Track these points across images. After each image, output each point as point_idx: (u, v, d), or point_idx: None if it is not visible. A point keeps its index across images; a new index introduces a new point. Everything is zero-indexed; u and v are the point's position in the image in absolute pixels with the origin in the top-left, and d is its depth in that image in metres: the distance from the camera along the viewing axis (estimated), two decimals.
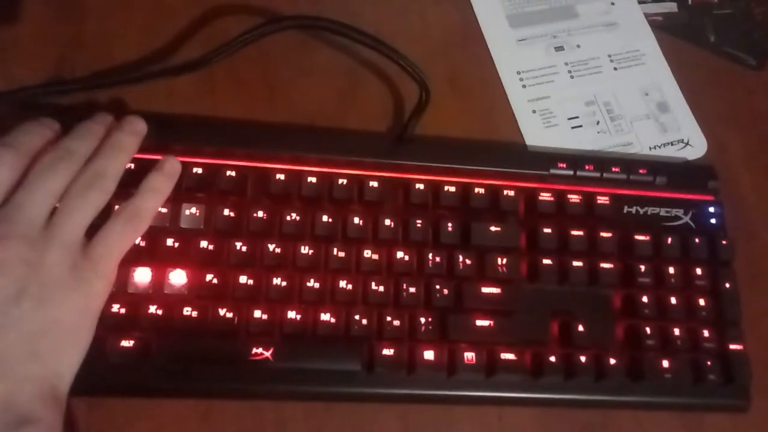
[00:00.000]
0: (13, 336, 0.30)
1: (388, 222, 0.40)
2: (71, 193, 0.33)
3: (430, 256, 0.40)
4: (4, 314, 0.30)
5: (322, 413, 0.39)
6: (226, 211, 0.39)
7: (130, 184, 0.36)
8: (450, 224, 0.40)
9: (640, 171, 0.44)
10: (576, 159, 0.44)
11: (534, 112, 0.48)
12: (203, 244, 0.38)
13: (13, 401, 0.29)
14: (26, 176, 0.33)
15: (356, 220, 0.40)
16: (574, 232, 0.41)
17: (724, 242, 0.43)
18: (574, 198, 0.42)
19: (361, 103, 0.46)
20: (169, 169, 0.37)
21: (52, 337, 0.31)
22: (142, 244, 0.37)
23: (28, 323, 0.30)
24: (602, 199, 0.43)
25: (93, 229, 0.34)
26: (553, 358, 0.39)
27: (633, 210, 0.43)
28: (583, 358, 0.39)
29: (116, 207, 0.35)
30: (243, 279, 0.38)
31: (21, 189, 0.32)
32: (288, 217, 0.39)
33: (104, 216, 0.34)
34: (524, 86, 0.49)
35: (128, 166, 0.36)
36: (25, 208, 0.32)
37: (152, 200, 0.36)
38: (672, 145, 0.48)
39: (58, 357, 0.31)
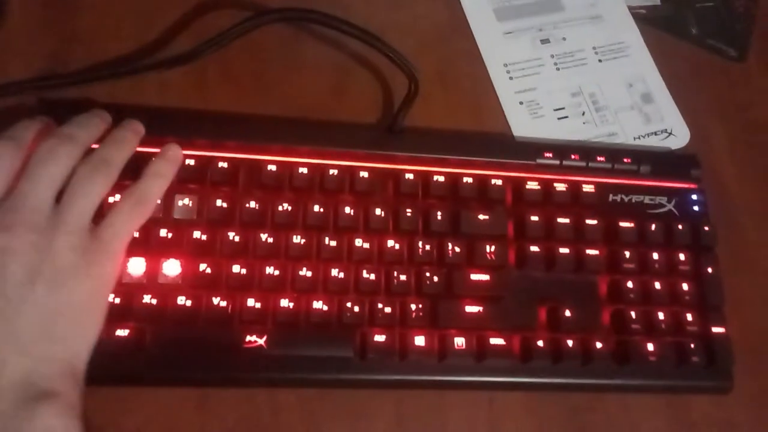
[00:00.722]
0: (30, 318, 0.31)
1: (378, 211, 0.40)
2: (78, 177, 0.34)
3: (420, 244, 0.40)
4: (20, 298, 0.31)
5: (316, 400, 0.39)
6: (219, 202, 0.39)
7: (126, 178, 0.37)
8: (439, 213, 0.41)
9: (625, 160, 0.45)
10: (562, 148, 0.45)
11: (521, 103, 0.49)
12: (196, 234, 0.38)
13: (33, 378, 0.30)
14: (27, 164, 0.33)
15: (347, 209, 0.40)
16: (561, 220, 0.42)
17: (706, 228, 0.44)
18: (560, 187, 0.43)
19: (352, 96, 0.47)
20: (171, 155, 0.38)
21: (66, 317, 0.32)
22: (137, 234, 0.37)
23: (43, 305, 0.31)
24: (588, 188, 0.44)
25: (98, 218, 0.34)
26: (541, 343, 0.40)
27: (618, 198, 0.44)
28: (570, 343, 0.40)
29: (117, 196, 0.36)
30: (236, 268, 0.38)
31: (23, 178, 0.33)
32: (280, 207, 0.39)
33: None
34: (511, 78, 0.49)
35: None
36: (29, 197, 0.32)
37: (157, 185, 0.37)
38: (656, 135, 0.49)
39: (74, 336, 0.32)
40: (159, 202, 0.37)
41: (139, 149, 0.38)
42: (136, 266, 0.37)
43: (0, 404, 0.29)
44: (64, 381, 0.31)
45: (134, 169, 0.37)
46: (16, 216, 0.32)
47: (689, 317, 0.42)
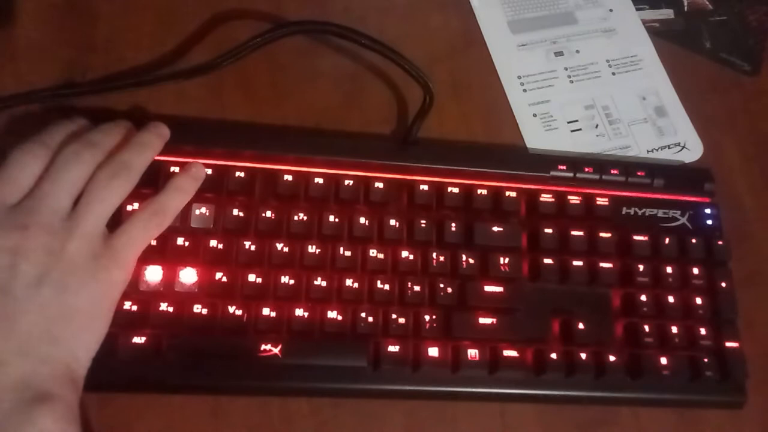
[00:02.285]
0: (33, 319, 0.31)
1: (393, 222, 0.41)
2: (96, 181, 0.34)
3: (434, 255, 0.41)
4: (26, 299, 0.31)
5: (329, 409, 0.39)
6: (235, 211, 0.39)
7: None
8: (453, 224, 0.41)
9: (638, 173, 0.45)
10: (576, 161, 0.45)
11: (534, 115, 0.49)
12: (213, 243, 0.39)
13: (32, 380, 0.30)
14: (51, 166, 0.34)
15: (362, 220, 0.40)
16: (574, 233, 0.42)
17: (720, 243, 0.44)
18: (574, 199, 0.43)
19: (366, 107, 0.47)
20: (195, 172, 0.39)
21: (70, 322, 0.32)
22: (154, 243, 0.38)
23: (47, 308, 0.31)
24: (601, 201, 0.44)
25: (115, 225, 0.35)
26: (554, 356, 0.40)
27: (631, 211, 0.45)
28: (583, 356, 0.40)
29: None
30: (252, 277, 0.39)
31: (45, 179, 0.34)
32: (295, 217, 0.40)
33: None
34: (525, 90, 0.50)
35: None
36: (48, 199, 0.33)
37: (177, 199, 0.37)
38: (669, 148, 0.49)
39: (76, 341, 0.32)
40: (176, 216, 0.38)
41: (157, 158, 0.39)
42: (154, 274, 0.38)
43: None
44: (63, 384, 0.31)
45: (153, 180, 0.37)
46: (32, 217, 0.32)
47: (702, 331, 0.41)
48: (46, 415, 0.29)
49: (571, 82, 0.51)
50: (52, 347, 0.31)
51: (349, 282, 0.39)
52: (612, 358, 0.40)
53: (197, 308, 0.38)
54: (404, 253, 0.40)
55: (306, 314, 0.38)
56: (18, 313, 0.31)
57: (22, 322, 0.31)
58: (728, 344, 0.42)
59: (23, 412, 0.29)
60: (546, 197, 0.43)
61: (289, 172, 0.41)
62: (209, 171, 0.40)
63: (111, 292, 0.34)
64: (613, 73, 0.51)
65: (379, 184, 0.41)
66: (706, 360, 0.41)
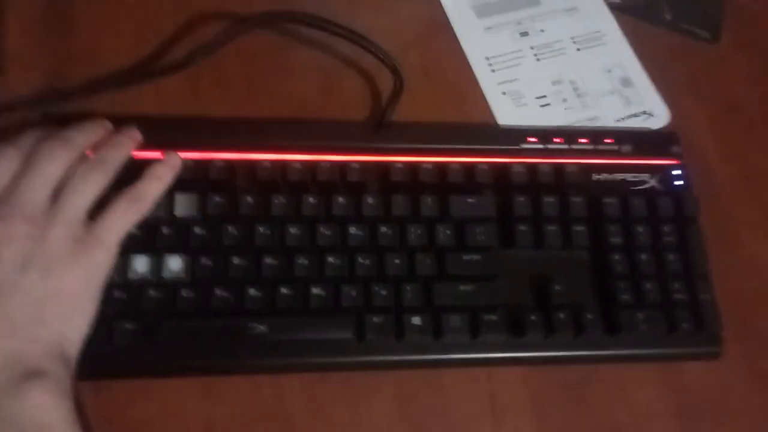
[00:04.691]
0: (22, 302, 0.33)
1: (370, 200, 0.42)
2: (75, 175, 0.36)
3: (412, 229, 0.42)
4: (13, 283, 0.33)
5: (319, 383, 0.41)
6: (218, 199, 0.41)
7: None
8: (429, 199, 0.43)
9: (606, 140, 0.47)
10: (545, 133, 0.47)
11: (504, 93, 0.51)
12: (197, 230, 0.40)
13: (23, 357, 0.32)
14: (26, 162, 0.36)
15: (340, 199, 0.42)
16: (547, 199, 0.44)
17: (688, 200, 0.45)
18: (544, 168, 0.45)
19: (340, 95, 0.49)
20: (171, 161, 0.40)
21: (57, 303, 0.33)
22: (140, 233, 0.39)
23: (35, 290, 0.33)
24: (571, 168, 0.45)
25: (96, 216, 0.36)
26: (533, 317, 0.41)
27: (601, 177, 0.46)
28: (561, 315, 0.41)
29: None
30: (236, 260, 0.40)
31: (22, 174, 0.35)
32: (276, 201, 0.41)
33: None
34: (493, 71, 0.51)
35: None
36: (26, 192, 0.35)
37: (154, 186, 0.39)
38: (636, 116, 0.51)
39: (64, 321, 0.34)
40: (157, 201, 0.39)
41: (141, 157, 0.40)
42: (142, 263, 0.39)
43: None
44: (53, 361, 0.32)
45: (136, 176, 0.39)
46: (13, 209, 0.34)
47: (676, 285, 0.43)
48: (38, 389, 0.31)
49: (538, 60, 0.52)
50: (40, 327, 0.33)
51: (330, 259, 0.41)
52: (589, 317, 0.41)
53: (185, 293, 0.39)
54: (383, 229, 0.42)
55: (291, 292, 0.40)
56: (5, 295, 0.32)
57: (10, 305, 0.32)
58: (702, 296, 0.43)
59: (16, 386, 0.31)
60: (517, 168, 0.44)
61: (267, 160, 0.42)
62: (191, 163, 0.42)
63: (96, 273, 0.35)
64: (578, 49, 0.53)
65: (355, 165, 0.43)
66: (681, 313, 0.42)
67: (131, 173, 0.39)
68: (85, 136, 0.38)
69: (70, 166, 0.36)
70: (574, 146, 0.46)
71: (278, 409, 0.40)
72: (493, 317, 0.41)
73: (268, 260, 0.40)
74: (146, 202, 0.38)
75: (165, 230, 0.40)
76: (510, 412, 0.42)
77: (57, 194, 0.36)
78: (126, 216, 0.37)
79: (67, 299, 0.34)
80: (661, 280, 0.43)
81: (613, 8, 0.55)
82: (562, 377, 0.43)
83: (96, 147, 0.39)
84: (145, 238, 0.40)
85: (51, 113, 0.44)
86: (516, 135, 0.46)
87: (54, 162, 0.36)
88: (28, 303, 0.33)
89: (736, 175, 0.50)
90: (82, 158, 0.37)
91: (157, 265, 0.39)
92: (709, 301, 0.43)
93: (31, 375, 0.31)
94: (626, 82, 0.52)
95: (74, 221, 0.35)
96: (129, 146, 0.40)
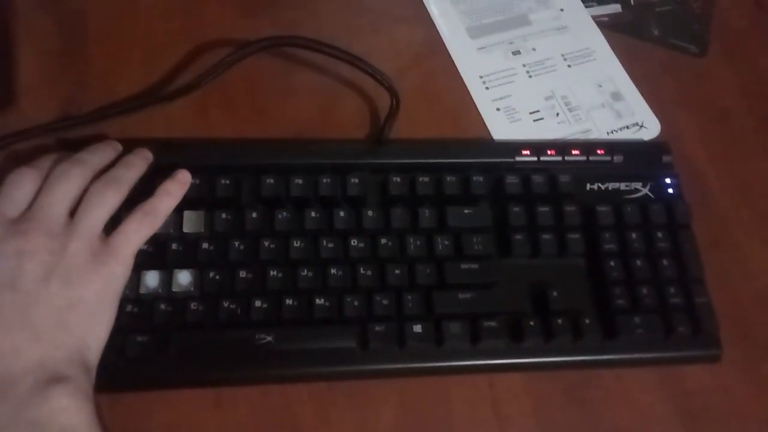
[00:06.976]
0: (45, 311, 0.34)
1: (370, 213, 0.44)
2: (90, 192, 0.38)
3: (411, 240, 0.43)
4: (36, 293, 0.34)
5: (326, 393, 0.42)
6: (224, 215, 0.43)
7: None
8: (427, 211, 0.44)
9: (598, 151, 0.48)
10: (539, 146, 0.48)
11: (498, 110, 0.52)
12: (205, 245, 0.42)
13: (47, 363, 0.33)
14: (45, 183, 0.38)
15: (342, 213, 0.44)
16: (541, 209, 0.45)
17: (680, 207, 0.46)
18: (539, 179, 0.46)
19: (341, 115, 0.51)
20: (181, 178, 0.42)
21: (78, 312, 0.35)
22: (151, 249, 0.41)
23: (57, 300, 0.35)
24: (565, 178, 0.47)
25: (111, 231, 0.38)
26: (532, 323, 0.42)
27: (595, 186, 0.47)
28: (559, 321, 0.42)
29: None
30: (243, 274, 0.42)
31: (41, 194, 0.38)
32: (279, 216, 0.43)
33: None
34: (487, 88, 0.53)
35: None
36: (45, 208, 0.37)
37: (166, 201, 0.41)
38: (628, 128, 0.53)
39: (85, 329, 0.35)
40: (167, 217, 0.41)
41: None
42: (152, 278, 0.41)
43: (16, 389, 0.32)
44: (75, 367, 0.34)
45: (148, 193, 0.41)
46: (32, 224, 0.36)
47: (671, 290, 0.44)
48: (62, 394, 0.32)
49: (530, 77, 0.54)
50: (63, 334, 0.34)
51: (333, 271, 0.42)
52: (587, 321, 0.42)
53: (194, 306, 0.41)
54: (383, 241, 0.43)
55: (296, 303, 0.41)
56: (29, 305, 0.34)
57: (34, 313, 0.34)
58: (697, 300, 0.44)
59: (41, 390, 0.32)
60: (512, 179, 0.46)
61: (271, 177, 0.44)
62: (198, 181, 0.43)
63: (113, 284, 0.37)
64: (569, 66, 0.55)
65: (355, 180, 0.45)
66: (678, 316, 0.43)
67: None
68: (98, 157, 0.40)
69: (85, 185, 0.38)
70: (567, 158, 0.48)
71: (288, 418, 0.41)
72: (493, 324, 0.42)
73: (273, 273, 0.42)
74: (159, 217, 0.40)
75: (174, 246, 0.42)
76: (513, 418, 0.43)
77: (74, 211, 0.38)
78: (140, 229, 0.39)
79: (88, 308, 0.36)
80: (656, 284, 0.44)
81: (602, 26, 0.57)
82: (564, 382, 0.44)
83: (109, 167, 0.41)
84: (156, 254, 0.41)
85: (65, 139, 0.46)
86: (510, 148, 0.48)
87: (70, 181, 0.38)
88: (51, 312, 0.34)
89: (727, 182, 0.52)
90: (97, 177, 0.39)
91: (167, 280, 0.41)
92: (705, 304, 0.43)
93: (56, 380, 0.33)
94: (617, 96, 0.54)
95: (91, 235, 0.37)
96: (141, 166, 0.42)
